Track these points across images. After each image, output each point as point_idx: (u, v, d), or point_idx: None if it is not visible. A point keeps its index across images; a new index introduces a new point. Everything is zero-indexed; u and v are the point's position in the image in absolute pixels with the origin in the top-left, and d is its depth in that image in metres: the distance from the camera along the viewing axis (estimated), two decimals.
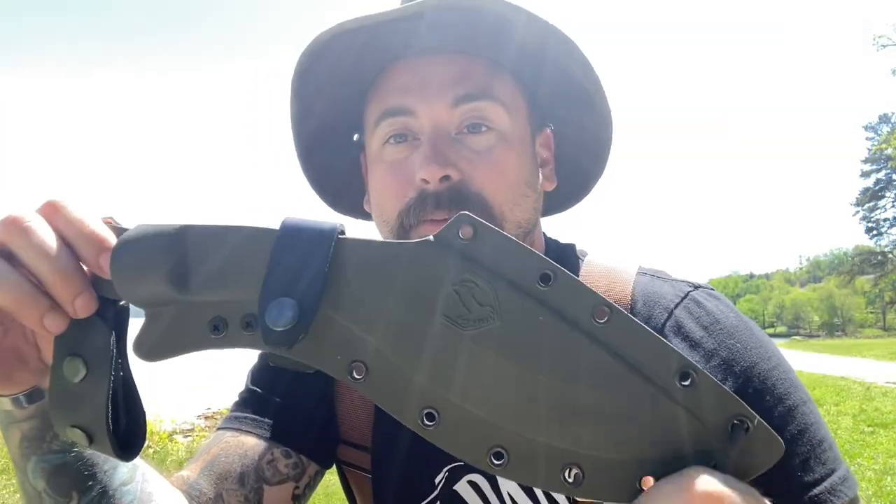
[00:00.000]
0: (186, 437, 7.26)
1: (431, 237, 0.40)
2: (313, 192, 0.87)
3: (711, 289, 0.77)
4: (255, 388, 0.82)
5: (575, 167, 0.85)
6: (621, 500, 0.37)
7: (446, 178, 0.68)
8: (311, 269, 0.39)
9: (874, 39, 33.51)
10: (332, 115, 0.80)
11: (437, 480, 0.76)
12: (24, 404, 0.49)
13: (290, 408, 0.80)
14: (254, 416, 0.79)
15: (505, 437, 0.38)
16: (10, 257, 0.43)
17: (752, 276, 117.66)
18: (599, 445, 0.37)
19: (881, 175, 48.60)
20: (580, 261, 0.81)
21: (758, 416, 0.37)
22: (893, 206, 49.09)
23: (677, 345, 0.68)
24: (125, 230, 0.43)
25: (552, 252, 0.82)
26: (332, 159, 0.85)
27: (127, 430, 0.46)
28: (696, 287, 0.76)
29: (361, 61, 0.73)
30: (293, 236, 0.40)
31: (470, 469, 0.75)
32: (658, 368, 0.36)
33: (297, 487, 0.77)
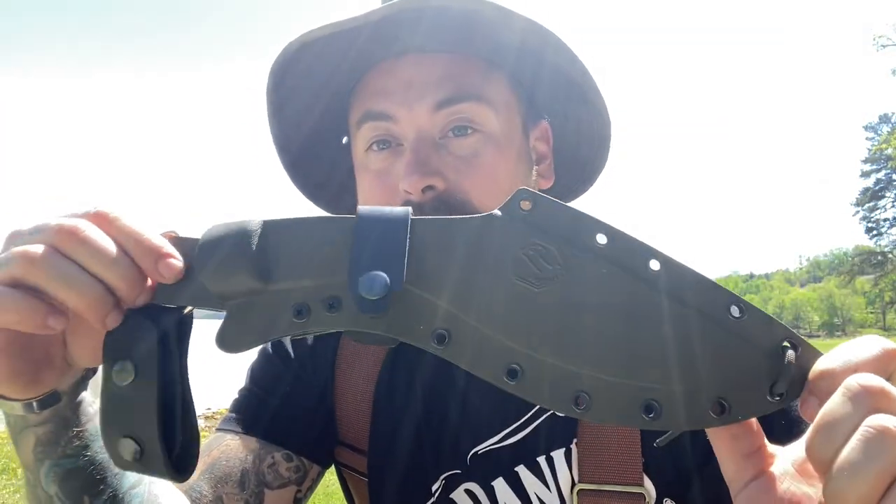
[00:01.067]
0: None
1: (497, 211, 0.43)
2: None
3: None
4: (256, 389, 0.81)
5: (577, 160, 0.83)
6: (696, 426, 0.40)
7: (430, 188, 0.66)
8: (393, 246, 0.42)
9: (874, 39, 33.50)
10: (317, 125, 0.79)
11: (433, 488, 0.75)
12: (36, 409, 0.49)
13: (290, 409, 0.79)
14: (254, 418, 0.78)
15: (586, 383, 0.41)
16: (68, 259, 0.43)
17: (752, 276, 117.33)
18: (671, 379, 0.40)
19: (881, 175, 48.52)
20: None
21: (804, 339, 0.40)
22: (893, 206, 49.05)
23: None
24: (183, 238, 0.46)
25: None
26: (321, 167, 0.84)
27: (182, 447, 0.47)
28: None
29: (341, 67, 0.71)
30: (372, 220, 0.43)
31: (467, 478, 0.74)
32: (711, 304, 0.40)
33: (298, 490, 0.77)
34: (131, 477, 0.57)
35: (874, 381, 0.34)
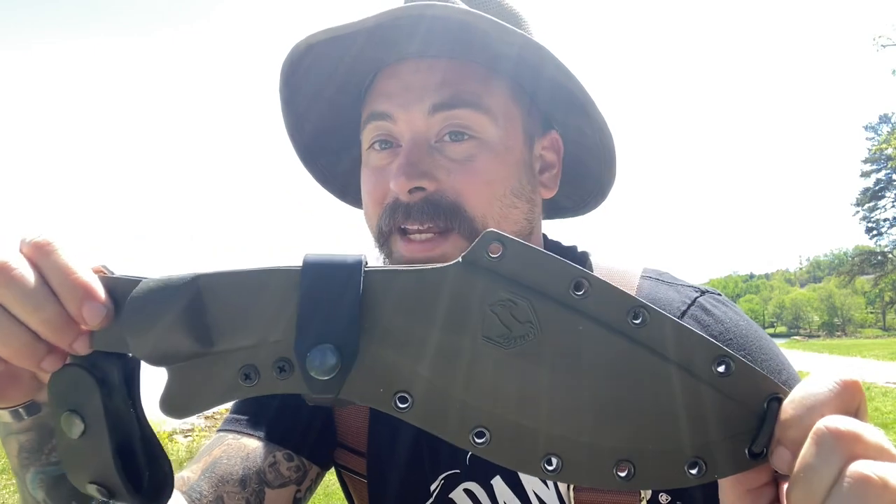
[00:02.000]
0: (186, 437, 7.25)
1: (460, 258, 0.40)
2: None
3: (718, 293, 0.76)
4: None
5: (588, 174, 0.84)
6: (670, 486, 0.39)
7: (420, 189, 0.67)
8: (345, 307, 0.39)
9: (874, 39, 33.53)
10: (331, 119, 0.81)
11: (432, 488, 0.76)
12: (24, 416, 0.49)
13: (291, 410, 0.80)
14: (255, 418, 0.79)
15: (557, 444, 0.39)
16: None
17: (752, 276, 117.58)
18: (647, 439, 0.38)
19: (881, 175, 48.58)
20: (584, 263, 0.80)
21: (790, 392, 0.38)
22: (893, 206, 49.11)
23: None
24: (119, 279, 0.43)
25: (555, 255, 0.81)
26: (335, 159, 0.86)
27: (152, 480, 0.45)
28: (703, 292, 0.75)
29: (356, 68, 0.74)
30: (319, 274, 0.40)
31: (466, 477, 0.75)
32: (696, 360, 0.38)
33: (298, 490, 0.78)
34: None
35: (843, 424, 0.33)
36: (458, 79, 0.70)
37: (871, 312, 74.46)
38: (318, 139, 0.84)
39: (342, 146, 0.85)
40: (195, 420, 9.12)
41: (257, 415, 0.80)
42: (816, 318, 77.57)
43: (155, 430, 0.47)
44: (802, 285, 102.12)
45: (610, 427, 0.38)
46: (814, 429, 0.33)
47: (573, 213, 0.91)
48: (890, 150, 39.67)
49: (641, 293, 0.75)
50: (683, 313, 0.72)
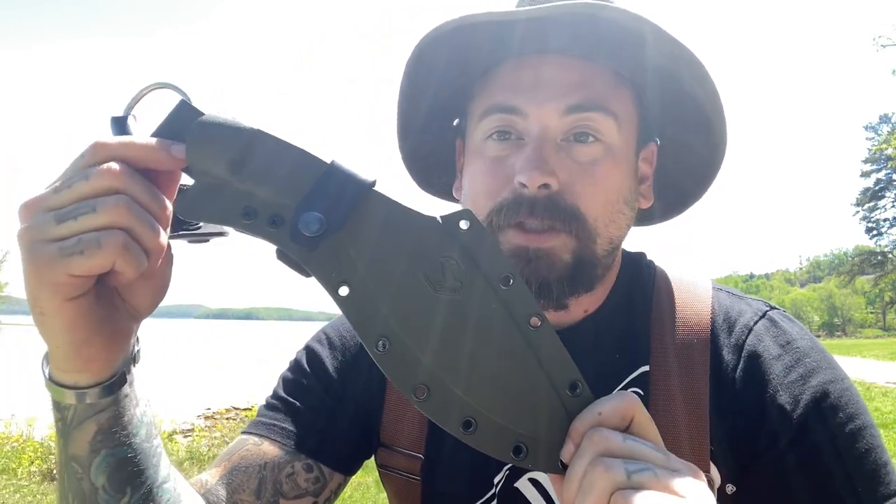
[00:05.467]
0: (186, 437, 7.24)
1: (439, 217, 0.51)
2: (405, 168, 0.87)
3: (784, 311, 0.79)
4: (286, 396, 0.82)
5: (675, 186, 0.84)
6: (494, 456, 0.49)
7: (546, 185, 0.68)
8: (343, 202, 0.49)
9: (874, 39, 33.51)
10: (439, 99, 0.80)
11: (496, 479, 0.77)
12: (115, 391, 0.52)
13: (318, 418, 0.80)
14: (281, 425, 0.79)
15: (430, 379, 0.48)
16: None
17: (752, 276, 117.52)
18: (494, 410, 0.48)
19: (881, 175, 48.59)
20: (651, 271, 0.82)
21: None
22: (893, 206, 49.13)
23: (755, 359, 0.73)
24: (195, 110, 0.51)
25: (627, 260, 0.82)
26: (429, 140, 0.85)
27: None
28: (772, 308, 0.78)
29: (480, 53, 0.73)
30: (338, 174, 0.49)
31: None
32: (559, 374, 0.49)
33: (315, 502, 0.77)
34: (164, 472, 0.58)
35: (595, 434, 0.46)
36: (593, 81, 0.70)
37: (871, 312, 74.39)
38: (420, 118, 0.82)
39: (438, 128, 0.85)
40: (195, 420, 9.11)
41: (284, 421, 0.79)
42: (816, 318, 77.42)
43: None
44: (802, 285, 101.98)
45: (472, 386, 0.48)
46: (585, 438, 0.46)
47: (642, 223, 0.90)
48: (890, 150, 39.65)
49: (716, 304, 0.78)
50: (755, 323, 0.75)
